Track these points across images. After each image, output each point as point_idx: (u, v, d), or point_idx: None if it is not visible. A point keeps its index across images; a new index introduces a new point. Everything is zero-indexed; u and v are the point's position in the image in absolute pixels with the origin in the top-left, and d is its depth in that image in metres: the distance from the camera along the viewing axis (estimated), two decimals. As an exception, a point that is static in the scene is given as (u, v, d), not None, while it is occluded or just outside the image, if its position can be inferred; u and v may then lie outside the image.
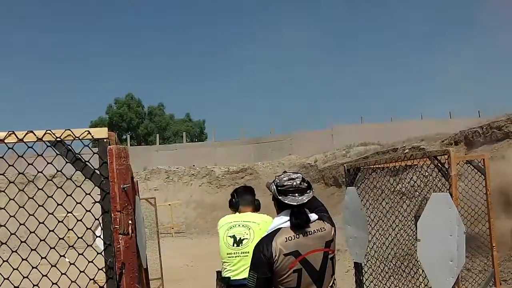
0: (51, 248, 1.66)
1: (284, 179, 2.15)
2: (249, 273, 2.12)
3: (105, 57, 60.45)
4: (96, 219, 1.75)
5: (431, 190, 3.07)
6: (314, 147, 20.34)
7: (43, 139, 1.65)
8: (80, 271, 1.67)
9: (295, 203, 2.09)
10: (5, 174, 1.68)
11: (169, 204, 18.00)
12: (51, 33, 57.45)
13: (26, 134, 1.65)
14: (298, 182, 2.14)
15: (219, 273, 3.18)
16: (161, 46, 62.42)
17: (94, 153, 1.68)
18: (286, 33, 64.44)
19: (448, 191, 2.81)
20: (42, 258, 1.66)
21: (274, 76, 65.84)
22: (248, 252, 2.95)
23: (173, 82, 61.34)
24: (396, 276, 3.83)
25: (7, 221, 1.67)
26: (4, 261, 1.64)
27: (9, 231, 1.69)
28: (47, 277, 1.60)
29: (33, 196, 1.68)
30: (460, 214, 2.82)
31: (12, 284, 1.65)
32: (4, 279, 1.69)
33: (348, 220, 3.76)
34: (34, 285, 1.59)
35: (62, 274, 1.61)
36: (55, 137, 1.65)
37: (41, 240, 1.73)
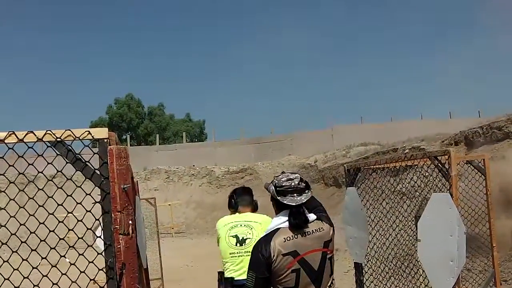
0: (51, 248, 1.66)
1: (283, 179, 2.16)
2: (247, 273, 2.13)
3: (105, 57, 60.53)
4: (96, 219, 1.75)
5: (432, 190, 3.07)
6: (314, 147, 20.34)
7: (43, 139, 1.65)
8: (81, 272, 1.67)
9: (293, 204, 2.10)
10: (5, 174, 1.68)
11: (169, 204, 18.01)
12: (51, 33, 57.54)
13: (26, 134, 1.64)
14: (297, 182, 2.14)
15: (220, 273, 3.17)
16: (161, 46, 62.52)
17: (94, 153, 1.68)
18: (286, 33, 64.53)
19: (448, 191, 2.81)
20: (42, 258, 1.66)
21: (274, 76, 65.92)
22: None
23: (173, 82, 61.41)
24: (397, 277, 3.83)
25: (8, 221, 1.67)
26: (4, 261, 1.64)
27: (10, 232, 1.69)
28: (48, 277, 1.60)
29: (33, 197, 1.68)
30: (460, 214, 2.82)
31: (13, 284, 1.65)
32: (5, 279, 1.69)
33: (348, 220, 3.76)
34: (34, 286, 1.58)
35: (62, 274, 1.61)
36: (55, 137, 1.65)
37: (41, 241, 1.73)
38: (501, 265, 4.94)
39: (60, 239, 1.78)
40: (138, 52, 62.23)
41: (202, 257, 10.80)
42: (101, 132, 1.70)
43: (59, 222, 1.70)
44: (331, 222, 2.24)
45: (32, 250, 1.69)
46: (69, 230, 1.72)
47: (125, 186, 1.66)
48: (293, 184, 2.13)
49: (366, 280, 3.87)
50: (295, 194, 2.12)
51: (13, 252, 1.73)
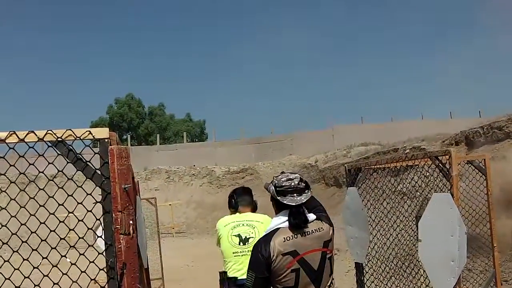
0: (52, 248, 1.65)
1: (283, 179, 2.16)
2: (247, 273, 2.13)
3: (105, 57, 60.52)
4: (97, 219, 1.75)
5: (432, 191, 3.07)
6: (314, 147, 20.34)
7: (44, 139, 1.65)
8: (81, 271, 1.67)
9: (293, 203, 2.10)
10: (6, 174, 1.68)
11: (170, 204, 18.01)
12: (51, 33, 57.53)
13: (27, 134, 1.64)
14: (296, 182, 2.14)
15: (222, 273, 3.16)
16: (161, 46, 62.50)
17: (95, 153, 1.68)
18: (286, 33, 64.48)
19: (449, 191, 2.81)
20: (43, 258, 1.66)
21: (274, 76, 65.88)
22: None
23: (173, 82, 61.41)
24: (397, 277, 3.83)
25: (8, 221, 1.66)
26: (5, 261, 1.64)
27: (10, 231, 1.69)
28: (48, 277, 1.60)
29: (34, 196, 1.69)
30: (461, 214, 2.82)
31: (13, 284, 1.65)
32: (6, 279, 1.69)
33: (349, 220, 3.76)
34: (35, 285, 1.58)
35: (63, 274, 1.61)
36: (56, 137, 1.65)
37: (42, 240, 1.73)
38: (502, 265, 4.94)
39: (61, 239, 1.78)
40: (138, 52, 62.31)
41: (203, 257, 10.80)
42: (102, 132, 1.70)
43: (60, 222, 1.70)
44: (330, 222, 2.25)
45: (33, 250, 1.69)
46: (70, 230, 1.72)
47: (126, 186, 1.66)
48: (293, 184, 2.13)
49: (367, 280, 3.87)
50: (295, 194, 2.12)
51: (13, 252, 1.73)
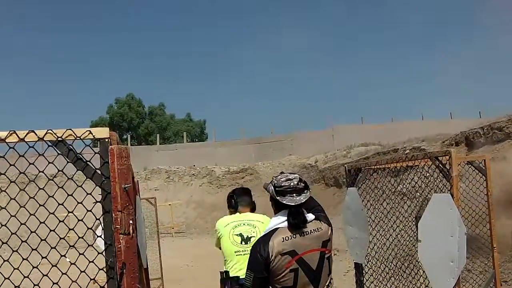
0: (51, 248, 1.65)
1: (282, 179, 2.17)
2: (246, 273, 2.14)
3: (105, 57, 60.55)
4: (97, 219, 1.75)
5: (432, 191, 3.07)
6: (314, 147, 20.34)
7: (44, 138, 1.65)
8: (81, 271, 1.67)
9: (293, 203, 2.11)
10: (6, 174, 1.68)
11: (170, 204, 18.01)
12: (51, 33, 57.56)
13: (27, 133, 1.64)
14: (296, 182, 2.15)
15: (223, 273, 3.16)
16: (161, 46, 62.53)
17: (95, 153, 1.68)
18: (286, 33, 64.50)
19: (449, 191, 2.81)
20: (42, 257, 1.66)
21: (274, 76, 65.91)
22: None
23: (173, 82, 61.44)
24: (397, 277, 3.83)
25: (8, 221, 1.66)
26: (4, 260, 1.64)
27: (10, 231, 1.69)
28: (48, 277, 1.60)
29: (34, 196, 1.68)
30: (461, 215, 2.82)
31: (13, 284, 1.65)
32: (5, 278, 1.69)
33: (349, 220, 3.76)
34: (34, 285, 1.58)
35: (62, 274, 1.61)
36: (56, 136, 1.65)
37: (41, 240, 1.73)
38: (502, 266, 4.94)
39: (60, 238, 1.78)
40: (138, 52, 62.33)
41: (202, 257, 10.80)
42: (102, 132, 1.70)
43: (60, 221, 1.70)
44: (329, 222, 2.26)
45: (32, 249, 1.69)
46: (69, 229, 1.71)
47: (126, 185, 1.66)
48: (292, 184, 2.14)
49: (366, 280, 3.87)
50: (294, 194, 2.13)
51: (13, 251, 1.73)
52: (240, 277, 3.08)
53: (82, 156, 1.68)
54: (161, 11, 60.84)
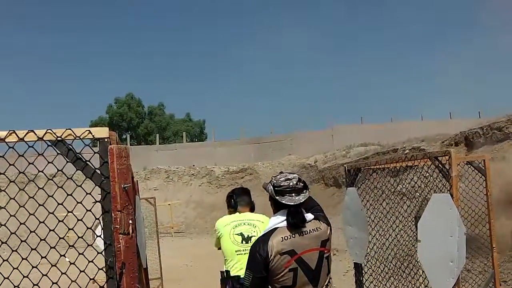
0: (51, 247, 1.65)
1: (281, 179, 2.17)
2: (245, 272, 2.15)
3: (105, 57, 60.53)
4: (96, 218, 1.75)
5: (432, 191, 3.07)
6: (314, 147, 20.34)
7: (44, 138, 1.65)
8: (80, 271, 1.67)
9: (292, 203, 2.12)
10: (5, 173, 1.68)
11: (169, 204, 18.00)
12: (51, 33, 57.52)
13: (27, 133, 1.64)
14: (295, 182, 2.16)
15: (224, 273, 3.16)
16: (161, 46, 62.51)
17: (95, 152, 1.68)
18: (286, 33, 64.50)
19: (448, 192, 2.81)
20: (42, 257, 1.66)
21: (274, 76, 65.91)
22: None
23: (173, 82, 61.42)
24: (396, 277, 3.83)
25: (7, 221, 1.66)
26: (4, 260, 1.64)
27: (9, 231, 1.69)
28: (47, 276, 1.59)
29: (33, 196, 1.68)
30: (460, 215, 2.82)
31: (12, 284, 1.65)
32: (4, 278, 1.69)
33: (349, 220, 3.76)
34: (34, 285, 1.58)
35: (62, 273, 1.61)
36: (55, 136, 1.65)
37: (41, 240, 1.73)
38: (501, 266, 4.94)
39: (60, 238, 1.78)
40: (138, 52, 62.31)
41: (202, 256, 10.79)
42: (102, 132, 1.70)
43: (59, 221, 1.69)
44: (328, 222, 2.27)
45: (32, 249, 1.69)
46: (69, 229, 1.71)
47: (126, 185, 1.65)
48: (291, 184, 2.15)
49: (366, 280, 3.87)
50: (293, 194, 2.14)
51: (13, 251, 1.73)
52: (241, 277, 3.08)
53: (82, 156, 1.68)
54: (161, 11, 60.90)
